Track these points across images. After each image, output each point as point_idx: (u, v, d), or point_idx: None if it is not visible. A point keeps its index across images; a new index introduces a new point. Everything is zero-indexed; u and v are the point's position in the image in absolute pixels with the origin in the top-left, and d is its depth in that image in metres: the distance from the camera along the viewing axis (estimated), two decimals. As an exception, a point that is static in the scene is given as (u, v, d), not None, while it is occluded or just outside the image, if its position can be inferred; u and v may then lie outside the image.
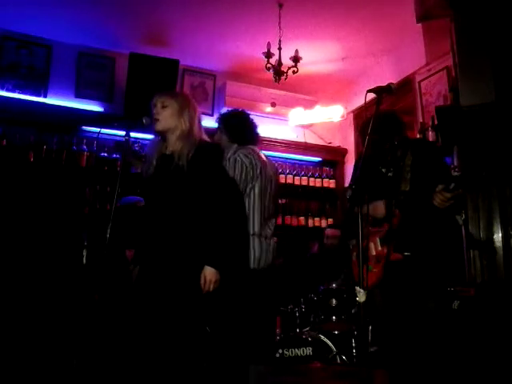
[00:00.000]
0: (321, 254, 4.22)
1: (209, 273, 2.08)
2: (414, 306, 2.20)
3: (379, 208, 2.29)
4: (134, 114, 3.89)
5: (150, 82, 4.09)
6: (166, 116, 2.23)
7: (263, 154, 2.81)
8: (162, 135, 2.29)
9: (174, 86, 4.27)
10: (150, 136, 4.20)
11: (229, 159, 2.58)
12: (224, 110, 4.57)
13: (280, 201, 4.47)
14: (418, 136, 3.77)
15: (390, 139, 2.32)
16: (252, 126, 2.80)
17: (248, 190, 2.61)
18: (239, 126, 2.74)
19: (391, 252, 2.25)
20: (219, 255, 2.11)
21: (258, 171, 2.64)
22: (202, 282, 2.07)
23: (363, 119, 2.57)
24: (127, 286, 2.58)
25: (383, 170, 2.40)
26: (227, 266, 2.14)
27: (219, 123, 2.77)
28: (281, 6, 3.72)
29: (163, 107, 2.24)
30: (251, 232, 2.60)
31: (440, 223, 2.22)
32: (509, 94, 2.44)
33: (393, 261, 2.24)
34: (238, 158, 2.59)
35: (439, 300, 2.23)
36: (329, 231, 4.26)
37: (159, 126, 2.24)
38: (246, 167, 2.59)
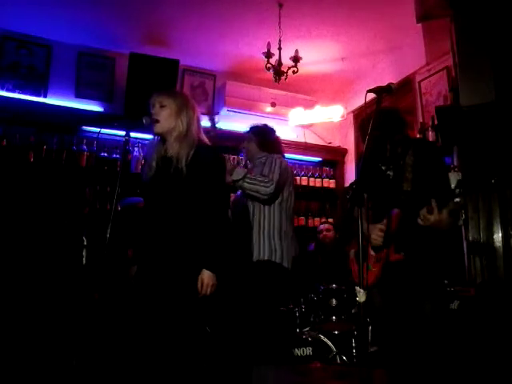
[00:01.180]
0: (317, 251, 4.24)
1: (206, 276, 2.08)
2: (413, 306, 2.20)
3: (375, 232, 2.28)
4: (134, 114, 3.89)
5: (150, 82, 4.09)
6: (165, 116, 2.21)
7: None
8: (161, 136, 2.28)
9: (173, 86, 4.26)
10: (150, 136, 4.21)
11: (275, 159, 2.80)
12: (224, 110, 4.63)
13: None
14: (418, 136, 3.77)
15: (391, 136, 2.31)
16: (279, 139, 3.15)
17: (286, 193, 2.85)
18: (270, 137, 3.06)
19: (391, 252, 2.24)
20: (217, 259, 2.12)
21: (292, 179, 2.97)
22: (200, 285, 2.07)
23: (364, 117, 2.57)
24: (127, 286, 2.59)
25: (383, 168, 2.39)
26: (225, 268, 2.16)
27: (250, 133, 3.04)
28: (281, 5, 3.72)
29: (161, 107, 2.22)
30: (291, 234, 2.82)
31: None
32: (509, 94, 2.45)
33: (392, 261, 2.24)
34: (283, 162, 2.85)
35: (438, 300, 2.22)
36: (322, 226, 4.30)
37: (159, 128, 2.22)
38: (288, 172, 2.88)
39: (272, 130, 3.13)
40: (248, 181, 2.66)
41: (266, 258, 2.71)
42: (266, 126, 3.13)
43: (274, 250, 2.72)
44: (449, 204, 2.00)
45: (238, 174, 2.66)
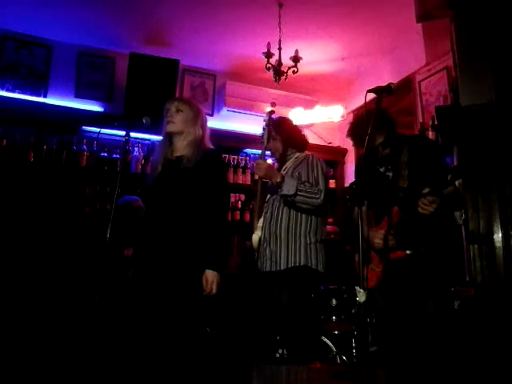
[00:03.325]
0: None
1: (210, 276, 2.10)
2: (413, 306, 2.19)
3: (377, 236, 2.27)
4: (133, 113, 3.90)
5: (150, 82, 4.10)
6: (180, 120, 2.27)
7: None
8: (169, 138, 2.30)
9: (174, 86, 4.27)
10: (149, 136, 4.23)
11: (315, 162, 2.70)
12: (224, 110, 4.63)
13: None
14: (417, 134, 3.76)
15: (382, 134, 2.31)
16: (299, 128, 2.95)
17: None
18: (294, 131, 2.86)
19: (389, 251, 2.24)
20: (220, 258, 2.13)
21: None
22: (204, 284, 2.08)
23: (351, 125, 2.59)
24: (127, 286, 2.58)
25: (381, 170, 2.39)
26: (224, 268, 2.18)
27: (273, 132, 2.76)
28: (281, 5, 3.73)
29: (178, 111, 2.27)
30: (323, 237, 2.75)
31: (439, 220, 2.21)
32: (509, 94, 2.44)
33: (393, 259, 2.23)
34: (322, 164, 2.75)
35: (439, 299, 2.22)
36: (328, 228, 4.29)
37: (172, 128, 2.26)
38: (327, 174, 2.78)
39: (291, 120, 2.93)
40: (300, 193, 2.52)
41: (302, 263, 2.62)
42: (284, 118, 2.91)
43: (309, 255, 2.65)
44: (445, 190, 2.00)
45: (290, 187, 2.50)
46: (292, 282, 2.59)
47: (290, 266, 2.62)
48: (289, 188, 2.50)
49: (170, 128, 2.25)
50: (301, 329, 2.58)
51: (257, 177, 2.80)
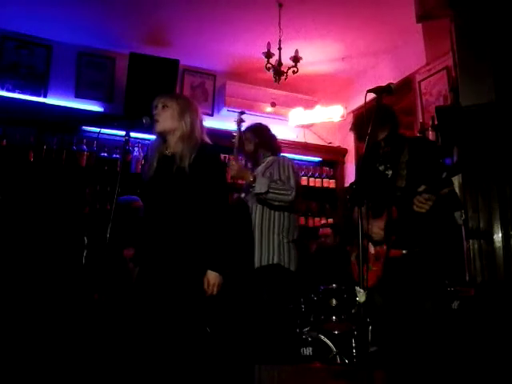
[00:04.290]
0: (317, 254, 4.24)
1: (212, 277, 2.09)
2: (413, 305, 2.19)
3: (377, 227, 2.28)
4: (133, 113, 3.90)
5: (150, 81, 4.10)
6: (166, 117, 2.22)
7: None
8: (162, 136, 2.29)
9: (173, 86, 4.27)
10: (150, 136, 4.22)
11: (286, 163, 2.80)
12: (224, 110, 4.63)
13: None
14: (418, 135, 3.76)
15: (385, 129, 2.30)
16: (275, 135, 3.07)
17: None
18: (268, 136, 3.01)
19: (390, 249, 2.24)
20: (221, 259, 2.12)
21: (300, 179, 3.06)
22: (206, 285, 2.08)
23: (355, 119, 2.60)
24: (126, 285, 2.59)
25: (380, 168, 2.39)
26: (228, 268, 2.16)
27: (249, 134, 2.94)
28: (281, 5, 3.73)
29: (164, 107, 2.24)
30: (296, 236, 2.80)
31: (435, 221, 2.21)
32: (509, 94, 2.45)
33: (391, 257, 2.23)
34: (293, 163, 2.86)
35: (438, 299, 2.22)
36: (322, 231, 4.29)
37: (159, 128, 2.23)
38: (298, 173, 2.94)
39: (267, 127, 3.07)
40: (272, 191, 2.60)
41: (275, 261, 2.68)
42: (260, 124, 3.07)
43: (282, 254, 2.70)
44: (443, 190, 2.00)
45: (262, 186, 2.60)
46: (266, 281, 2.65)
47: (263, 264, 2.68)
48: (260, 186, 2.60)
49: (157, 128, 2.24)
50: (277, 328, 2.62)
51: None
